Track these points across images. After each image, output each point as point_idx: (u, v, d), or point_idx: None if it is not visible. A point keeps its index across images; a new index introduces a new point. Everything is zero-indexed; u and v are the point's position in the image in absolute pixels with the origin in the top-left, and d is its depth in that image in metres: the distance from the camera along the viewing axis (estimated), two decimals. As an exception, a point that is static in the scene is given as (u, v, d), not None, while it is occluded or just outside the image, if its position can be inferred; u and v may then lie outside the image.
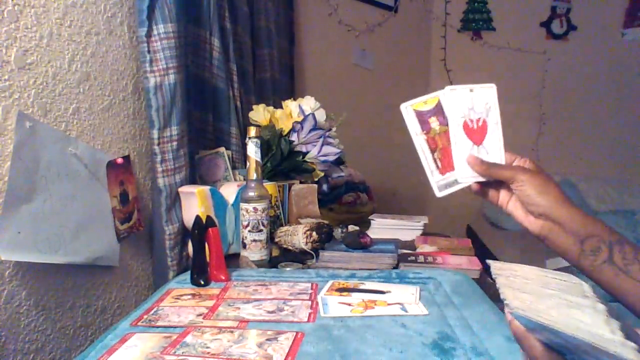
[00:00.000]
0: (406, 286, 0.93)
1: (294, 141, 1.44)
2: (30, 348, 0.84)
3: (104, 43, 1.01)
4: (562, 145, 3.47)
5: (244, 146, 1.30)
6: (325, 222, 1.22)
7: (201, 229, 0.98)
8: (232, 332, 0.73)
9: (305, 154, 1.45)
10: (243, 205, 1.10)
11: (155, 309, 0.84)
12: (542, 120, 3.46)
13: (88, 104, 0.97)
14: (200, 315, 0.80)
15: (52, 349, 0.89)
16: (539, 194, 0.62)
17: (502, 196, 0.68)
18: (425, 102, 0.73)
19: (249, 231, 1.09)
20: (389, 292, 0.89)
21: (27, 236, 0.80)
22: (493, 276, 0.53)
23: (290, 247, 1.18)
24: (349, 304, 0.83)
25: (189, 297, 0.90)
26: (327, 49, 2.65)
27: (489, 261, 0.57)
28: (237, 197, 1.16)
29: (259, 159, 1.10)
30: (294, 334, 0.72)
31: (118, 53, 1.06)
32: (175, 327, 0.76)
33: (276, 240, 1.21)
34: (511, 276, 0.52)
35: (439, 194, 0.69)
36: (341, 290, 0.90)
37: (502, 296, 0.46)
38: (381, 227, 1.43)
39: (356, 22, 2.82)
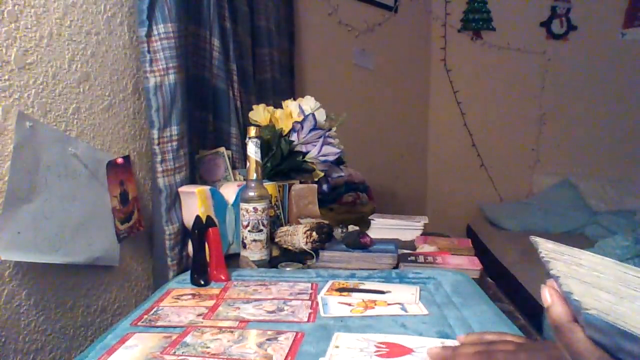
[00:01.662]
0: (406, 286, 0.93)
1: (294, 141, 1.44)
2: (30, 348, 0.84)
3: (104, 43, 1.01)
4: (562, 145, 3.47)
5: (244, 146, 1.30)
6: (325, 222, 1.22)
7: (201, 229, 0.98)
8: (232, 332, 0.73)
9: (305, 154, 1.45)
10: (243, 205, 1.10)
11: (155, 309, 0.84)
12: (542, 120, 3.47)
13: (88, 104, 0.97)
14: (200, 315, 0.80)
15: (52, 349, 0.89)
16: None
17: None
18: None
19: (249, 231, 1.09)
20: (389, 292, 0.89)
21: (27, 236, 0.80)
22: (543, 259, 0.44)
23: (290, 247, 1.18)
24: (349, 304, 0.83)
25: (189, 297, 0.90)
26: (327, 49, 2.65)
27: (532, 238, 0.49)
28: (237, 197, 1.16)
29: (259, 159, 1.10)
30: (294, 334, 0.72)
31: (118, 53, 1.06)
32: (175, 327, 0.76)
33: (276, 240, 1.21)
34: (574, 265, 0.43)
35: None
36: (341, 290, 0.90)
37: (564, 288, 0.38)
38: (381, 227, 1.43)
39: (356, 22, 2.83)
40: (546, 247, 0.46)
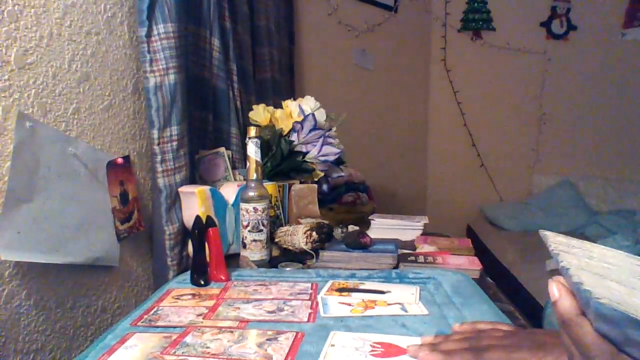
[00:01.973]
0: (406, 286, 0.93)
1: (294, 141, 1.44)
2: (30, 348, 0.84)
3: (104, 43, 1.01)
4: (562, 145, 3.47)
5: (244, 146, 1.30)
6: (325, 222, 1.22)
7: (201, 229, 0.98)
8: (232, 332, 0.73)
9: (305, 154, 1.45)
10: (243, 205, 1.10)
11: (155, 309, 0.84)
12: (542, 120, 3.47)
13: (88, 104, 0.97)
14: (200, 315, 0.80)
15: (52, 349, 0.89)
16: None
17: None
18: None
19: (249, 231, 1.09)
20: (389, 292, 0.89)
21: (27, 236, 0.80)
22: (553, 252, 0.43)
23: (290, 247, 1.18)
24: (349, 304, 0.83)
25: (189, 297, 0.90)
26: (327, 49, 2.65)
27: (542, 232, 0.49)
28: (237, 197, 1.16)
29: (259, 159, 1.10)
30: (294, 334, 0.72)
31: (118, 53, 1.06)
32: (175, 327, 0.76)
33: (276, 240, 1.21)
34: (585, 257, 0.42)
35: None
36: (341, 290, 0.90)
37: (574, 279, 0.37)
38: (381, 227, 1.43)
39: (356, 22, 2.83)
40: (556, 241, 0.45)
